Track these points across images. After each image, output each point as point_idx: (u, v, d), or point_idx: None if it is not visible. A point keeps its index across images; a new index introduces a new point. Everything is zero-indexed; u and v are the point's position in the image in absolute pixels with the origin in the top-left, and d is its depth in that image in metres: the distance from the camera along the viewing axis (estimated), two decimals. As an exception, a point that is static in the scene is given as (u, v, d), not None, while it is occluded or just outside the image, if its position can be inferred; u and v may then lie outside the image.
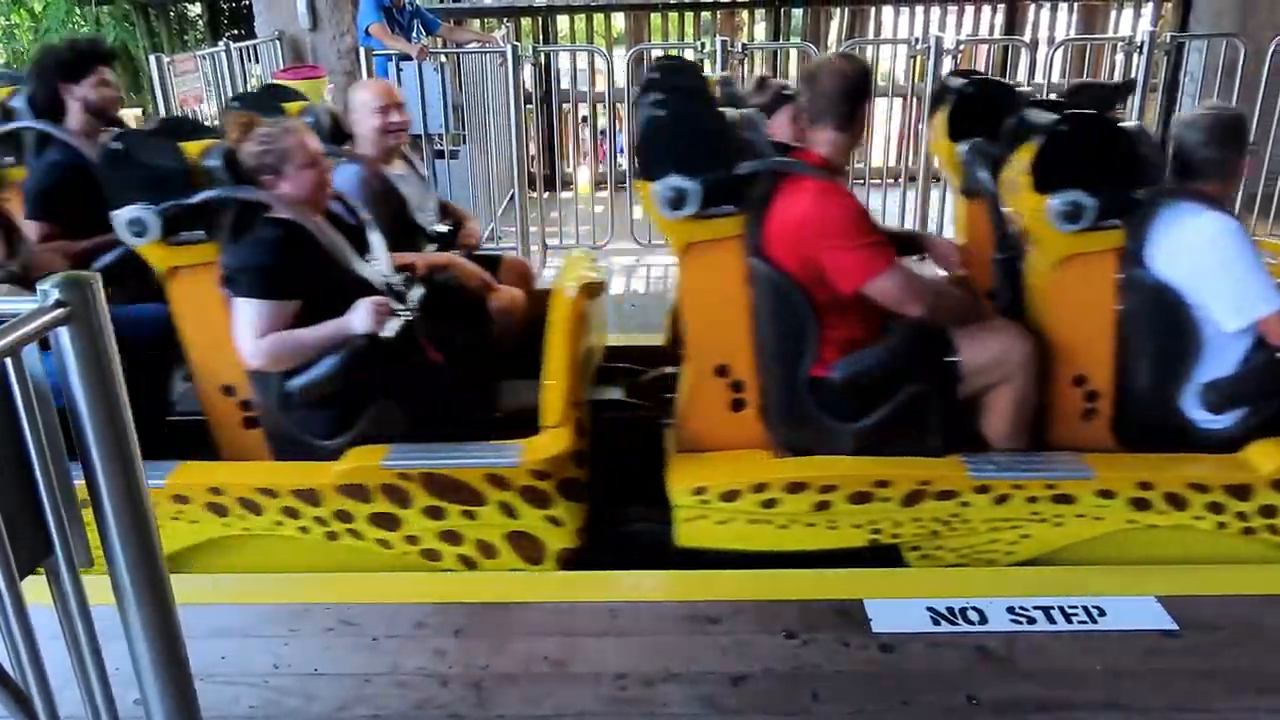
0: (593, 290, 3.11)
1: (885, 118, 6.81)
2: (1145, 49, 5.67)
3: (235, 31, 8.46)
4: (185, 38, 9.18)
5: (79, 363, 1.29)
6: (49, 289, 1.25)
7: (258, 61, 6.55)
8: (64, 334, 1.27)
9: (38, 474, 1.26)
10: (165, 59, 5.36)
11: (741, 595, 2.51)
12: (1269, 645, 2.29)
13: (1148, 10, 7.72)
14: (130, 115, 5.52)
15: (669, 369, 3.51)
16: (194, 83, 5.68)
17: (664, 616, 2.43)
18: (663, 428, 3.06)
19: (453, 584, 2.68)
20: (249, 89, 6.20)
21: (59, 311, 1.25)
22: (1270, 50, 5.73)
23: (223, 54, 6.04)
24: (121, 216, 2.62)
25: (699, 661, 2.26)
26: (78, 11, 8.34)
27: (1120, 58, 5.94)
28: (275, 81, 4.91)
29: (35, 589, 1.29)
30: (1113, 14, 7.86)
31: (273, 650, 2.33)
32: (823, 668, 2.23)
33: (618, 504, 3.02)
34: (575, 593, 2.56)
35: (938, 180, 5.70)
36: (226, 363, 2.77)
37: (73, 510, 1.32)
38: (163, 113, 5.30)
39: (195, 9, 9.39)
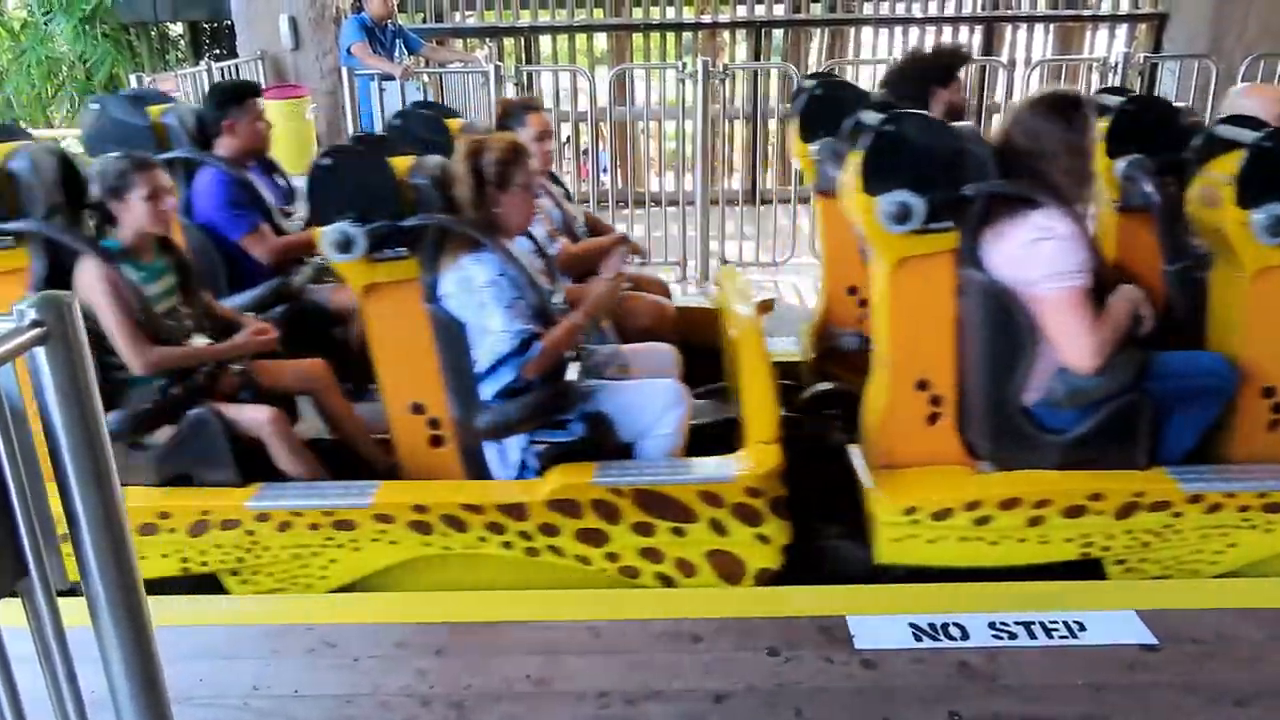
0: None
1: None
2: (1120, 69, 5.77)
3: (217, 51, 8.47)
4: (167, 57, 9.16)
5: (56, 383, 1.28)
6: (25, 309, 1.25)
7: (239, 81, 6.55)
8: (41, 354, 1.26)
9: (13, 495, 1.25)
10: (146, 78, 5.34)
11: (723, 613, 2.51)
12: (1247, 658, 2.31)
13: (1122, 31, 7.84)
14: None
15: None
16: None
17: (646, 634, 2.42)
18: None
19: (434, 603, 2.66)
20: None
21: (35, 332, 1.24)
22: (1241, 70, 5.84)
23: (204, 73, 6.04)
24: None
25: (682, 679, 2.26)
26: (58, 33, 8.32)
27: (1095, 78, 6.03)
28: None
29: (9, 611, 1.27)
30: (1088, 35, 7.96)
31: (252, 671, 2.31)
32: (805, 685, 2.23)
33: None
34: (557, 611, 2.55)
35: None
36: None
37: (49, 531, 1.31)
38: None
39: (177, 28, 9.38)
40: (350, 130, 5.72)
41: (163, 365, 2.79)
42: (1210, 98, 5.78)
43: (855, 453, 2.99)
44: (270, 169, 3.88)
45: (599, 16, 7.92)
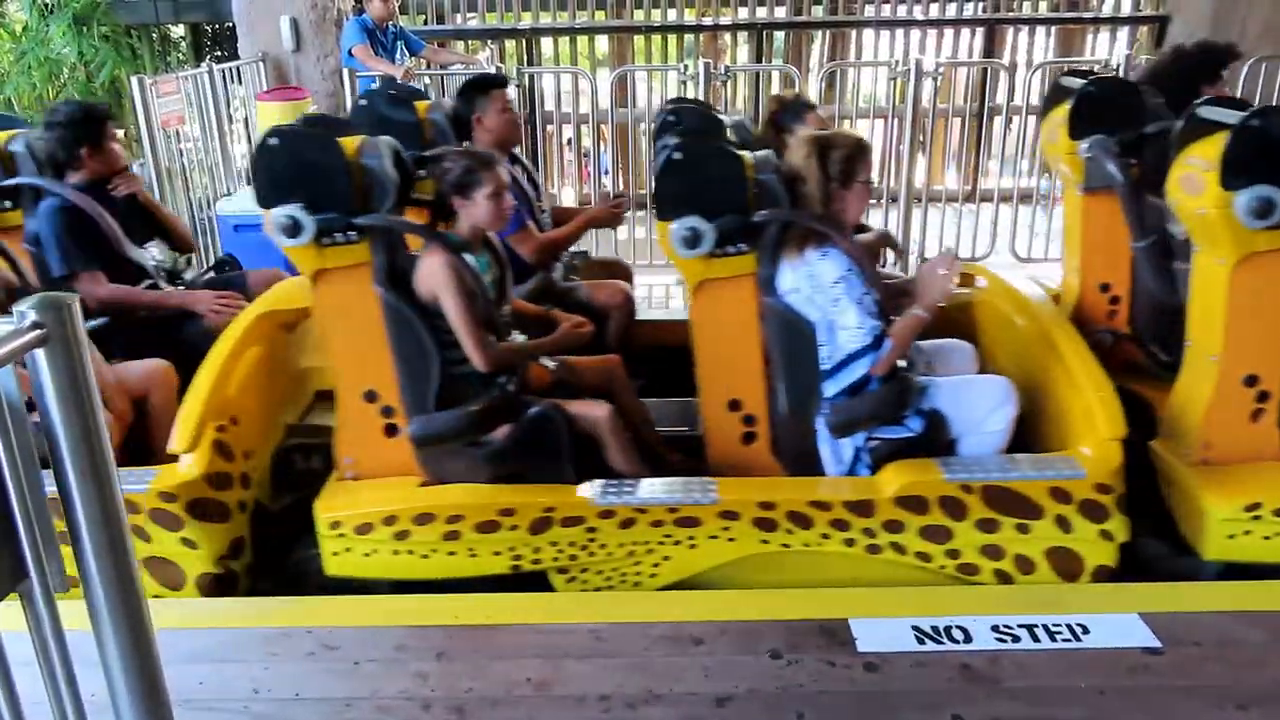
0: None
1: (867, 138, 6.85)
2: (1121, 71, 5.76)
3: (218, 53, 8.47)
4: (168, 59, 9.16)
5: (56, 385, 1.27)
6: (25, 310, 1.24)
7: (241, 83, 6.55)
8: (41, 356, 1.26)
9: (12, 497, 1.25)
10: (147, 80, 5.34)
11: (725, 615, 2.50)
12: (1250, 661, 2.30)
13: (1124, 34, 7.84)
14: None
15: None
16: (176, 104, 5.67)
17: (647, 637, 2.42)
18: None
19: (433, 606, 2.66)
20: (231, 111, 6.21)
21: (36, 333, 1.23)
22: (1243, 73, 5.83)
23: (205, 75, 6.03)
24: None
25: (683, 682, 2.25)
26: (59, 37, 8.31)
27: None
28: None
29: (9, 614, 1.27)
30: (1090, 37, 7.96)
31: (252, 675, 2.30)
32: (807, 688, 2.22)
33: None
34: (558, 614, 2.54)
35: (919, 201, 5.75)
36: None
37: (48, 534, 1.30)
38: (144, 133, 5.28)
39: (178, 30, 9.39)
40: (351, 132, 5.72)
41: (501, 362, 2.79)
42: (1212, 100, 5.77)
43: (1158, 451, 2.98)
44: (515, 161, 3.82)
45: (600, 19, 7.92)
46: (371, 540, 2.75)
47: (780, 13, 8.05)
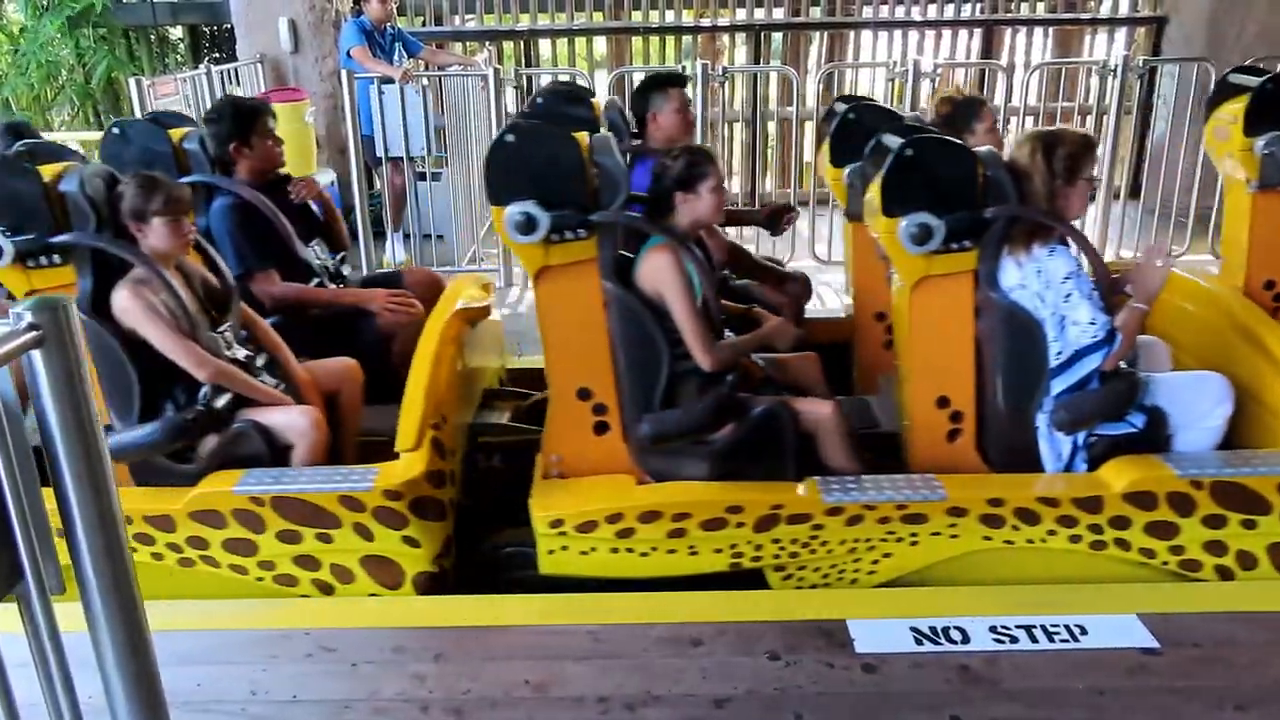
0: None
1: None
2: (1119, 73, 5.76)
3: (216, 54, 8.45)
4: (166, 60, 9.16)
5: (52, 386, 1.27)
6: (21, 312, 1.24)
7: (239, 84, 6.54)
8: (37, 357, 1.25)
9: (8, 498, 1.24)
10: (145, 81, 5.34)
11: (723, 617, 2.50)
12: (1248, 662, 2.30)
13: (1121, 35, 7.84)
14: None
15: None
16: (174, 105, 5.66)
17: (645, 639, 2.42)
18: None
19: (432, 608, 2.65)
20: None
21: (32, 334, 1.23)
22: (1240, 74, 5.83)
23: (203, 76, 6.03)
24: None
25: (681, 684, 2.25)
26: (59, 37, 8.30)
27: (1095, 81, 6.02)
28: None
29: (5, 616, 1.27)
30: (1087, 38, 7.96)
31: (250, 677, 2.30)
32: (806, 689, 2.22)
33: None
34: (556, 616, 2.54)
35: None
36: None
37: (45, 536, 1.30)
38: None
39: (176, 32, 9.38)
40: (350, 134, 5.71)
41: (725, 361, 2.80)
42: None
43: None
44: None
45: (598, 20, 7.91)
46: (593, 538, 2.74)
47: (778, 14, 8.04)
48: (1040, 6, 7.97)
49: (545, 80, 7.64)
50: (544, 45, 8.04)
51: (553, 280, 2.73)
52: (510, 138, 2.60)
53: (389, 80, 5.72)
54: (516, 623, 2.50)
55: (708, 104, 5.64)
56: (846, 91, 7.26)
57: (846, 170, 3.49)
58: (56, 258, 2.68)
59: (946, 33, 7.90)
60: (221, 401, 2.80)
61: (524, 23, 7.86)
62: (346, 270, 3.73)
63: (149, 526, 2.75)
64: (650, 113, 3.58)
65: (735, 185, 7.64)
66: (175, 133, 3.55)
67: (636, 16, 7.91)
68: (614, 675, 2.28)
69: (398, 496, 2.66)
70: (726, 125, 7.69)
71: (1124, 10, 7.89)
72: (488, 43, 7.76)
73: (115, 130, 3.52)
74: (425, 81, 5.91)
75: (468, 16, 7.90)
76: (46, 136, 4.23)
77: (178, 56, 9.28)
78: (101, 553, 1.35)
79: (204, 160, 3.50)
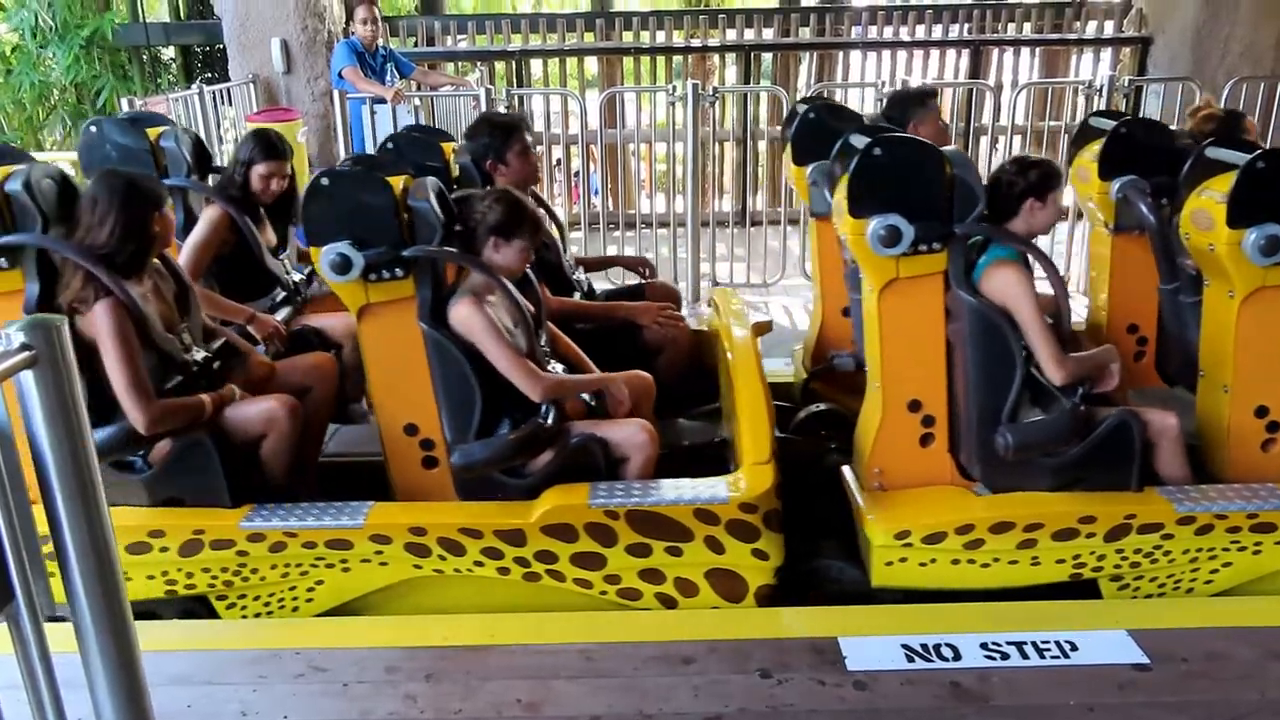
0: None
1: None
2: (1105, 92, 5.83)
3: (209, 75, 8.49)
4: (159, 80, 9.19)
5: (44, 407, 1.28)
6: (13, 333, 1.25)
7: (231, 104, 6.57)
8: (29, 378, 1.26)
9: (-1, 519, 1.24)
10: (137, 101, 5.36)
11: (715, 635, 2.50)
12: (1237, 677, 2.31)
13: (1107, 55, 7.92)
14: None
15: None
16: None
17: (637, 657, 2.41)
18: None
19: (423, 627, 2.65)
20: (221, 132, 6.22)
21: (24, 355, 1.24)
22: (1225, 93, 5.91)
23: (195, 96, 6.05)
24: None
25: (673, 702, 2.24)
26: (51, 59, 8.33)
27: (1081, 100, 6.09)
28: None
29: (-5, 637, 1.27)
30: (1074, 58, 8.05)
31: (240, 697, 2.29)
32: (797, 707, 2.22)
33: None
34: (547, 634, 2.53)
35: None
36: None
37: (35, 556, 1.30)
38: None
39: (169, 52, 9.41)
40: (342, 153, 5.73)
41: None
42: (1194, 120, 5.84)
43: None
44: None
45: (589, 41, 7.97)
46: (937, 550, 2.74)
47: (768, 34, 8.12)
48: (1027, 27, 8.06)
49: (537, 100, 7.70)
50: (535, 66, 8.09)
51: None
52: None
53: (381, 100, 5.74)
54: (508, 642, 2.50)
55: (699, 123, 5.68)
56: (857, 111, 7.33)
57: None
58: (399, 270, 2.69)
59: (935, 53, 7.98)
60: (552, 417, 2.78)
61: (515, 43, 7.92)
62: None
63: (498, 540, 2.71)
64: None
65: (726, 204, 7.68)
66: (152, 131, 3.58)
67: (627, 37, 7.97)
68: (605, 694, 2.28)
69: (752, 509, 2.65)
70: (717, 144, 7.75)
71: (1109, 31, 7.97)
72: (479, 63, 7.81)
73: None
74: (417, 102, 5.94)
75: (459, 37, 7.95)
76: (40, 157, 4.24)
77: (170, 77, 9.32)
78: (93, 574, 1.35)
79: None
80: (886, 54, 7.93)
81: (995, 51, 7.92)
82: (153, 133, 3.58)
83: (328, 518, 2.72)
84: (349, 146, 5.74)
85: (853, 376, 3.47)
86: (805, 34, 8.08)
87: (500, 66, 7.98)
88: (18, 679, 1.32)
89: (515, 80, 7.70)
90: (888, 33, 8.06)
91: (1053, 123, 7.38)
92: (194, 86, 6.20)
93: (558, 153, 7.72)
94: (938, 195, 2.67)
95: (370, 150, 5.72)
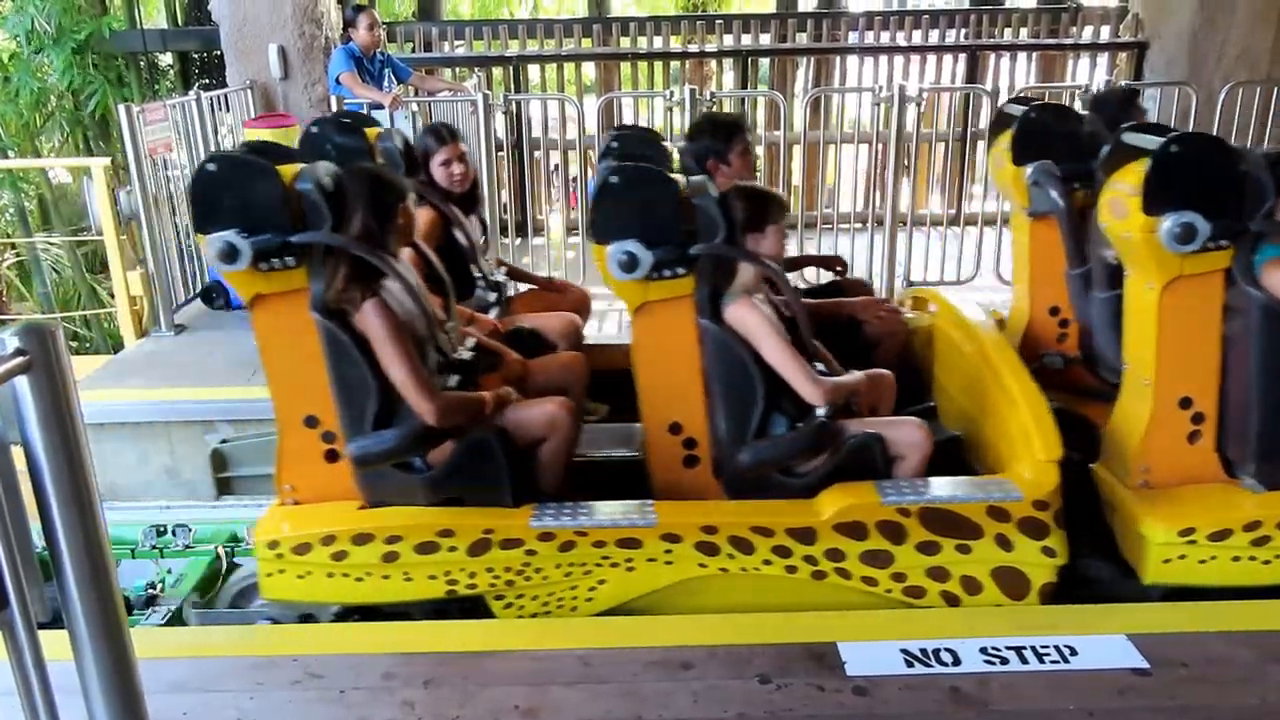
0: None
1: (852, 163, 6.94)
2: (1102, 96, 5.83)
3: (206, 81, 8.48)
4: (156, 87, 9.19)
5: (39, 412, 1.27)
6: (6, 338, 1.24)
7: (229, 110, 6.56)
8: (24, 383, 1.25)
9: (-7, 525, 1.24)
10: (135, 108, 5.35)
11: (714, 640, 2.49)
12: (1237, 681, 2.31)
13: (1103, 60, 7.94)
14: (98, 164, 5.50)
15: None
16: (163, 131, 5.68)
17: (636, 663, 2.41)
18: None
19: (421, 633, 2.64)
20: (219, 138, 6.22)
21: (18, 360, 1.23)
22: (1221, 97, 5.92)
23: (193, 102, 6.05)
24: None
25: (672, 708, 2.24)
26: (48, 64, 8.33)
27: (1078, 105, 6.09)
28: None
29: (-11, 644, 1.26)
30: (1070, 63, 8.06)
31: (237, 705, 2.28)
32: (797, 712, 2.22)
33: None
34: (545, 640, 2.53)
35: (904, 224, 5.80)
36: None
37: (29, 562, 1.29)
38: (132, 160, 5.29)
39: (166, 59, 9.42)
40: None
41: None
42: (1191, 124, 5.86)
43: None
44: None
45: (587, 46, 7.97)
46: (1220, 547, 2.72)
47: (765, 40, 8.13)
48: (1024, 32, 8.07)
49: (535, 106, 7.70)
50: (533, 71, 8.10)
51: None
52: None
53: (379, 106, 5.74)
54: (505, 647, 2.49)
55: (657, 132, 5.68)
56: (833, 116, 7.34)
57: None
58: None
59: (931, 58, 7.99)
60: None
61: (513, 49, 7.92)
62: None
63: (789, 539, 2.71)
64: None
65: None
66: (370, 132, 3.62)
67: (625, 43, 7.98)
68: (604, 700, 2.27)
69: (1045, 506, 2.67)
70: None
71: (1105, 36, 7.99)
72: (477, 69, 7.81)
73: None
74: (415, 107, 5.94)
75: (457, 43, 7.95)
76: (35, 163, 4.23)
77: (168, 83, 9.32)
78: (87, 580, 1.34)
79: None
80: (883, 59, 7.94)
81: (992, 56, 7.93)
82: (371, 133, 3.59)
83: (619, 516, 2.73)
84: (346, 152, 5.74)
85: (1061, 374, 3.48)
86: (803, 39, 8.10)
87: (498, 72, 7.99)
88: (12, 686, 1.31)
89: (513, 85, 7.71)
90: (885, 38, 8.07)
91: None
92: (191, 93, 6.19)
93: (555, 158, 7.73)
94: (1231, 192, 2.65)
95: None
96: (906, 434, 2.83)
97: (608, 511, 2.75)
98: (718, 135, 3.58)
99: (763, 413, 2.77)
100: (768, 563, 2.73)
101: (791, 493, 2.79)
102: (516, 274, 4.19)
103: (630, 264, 2.66)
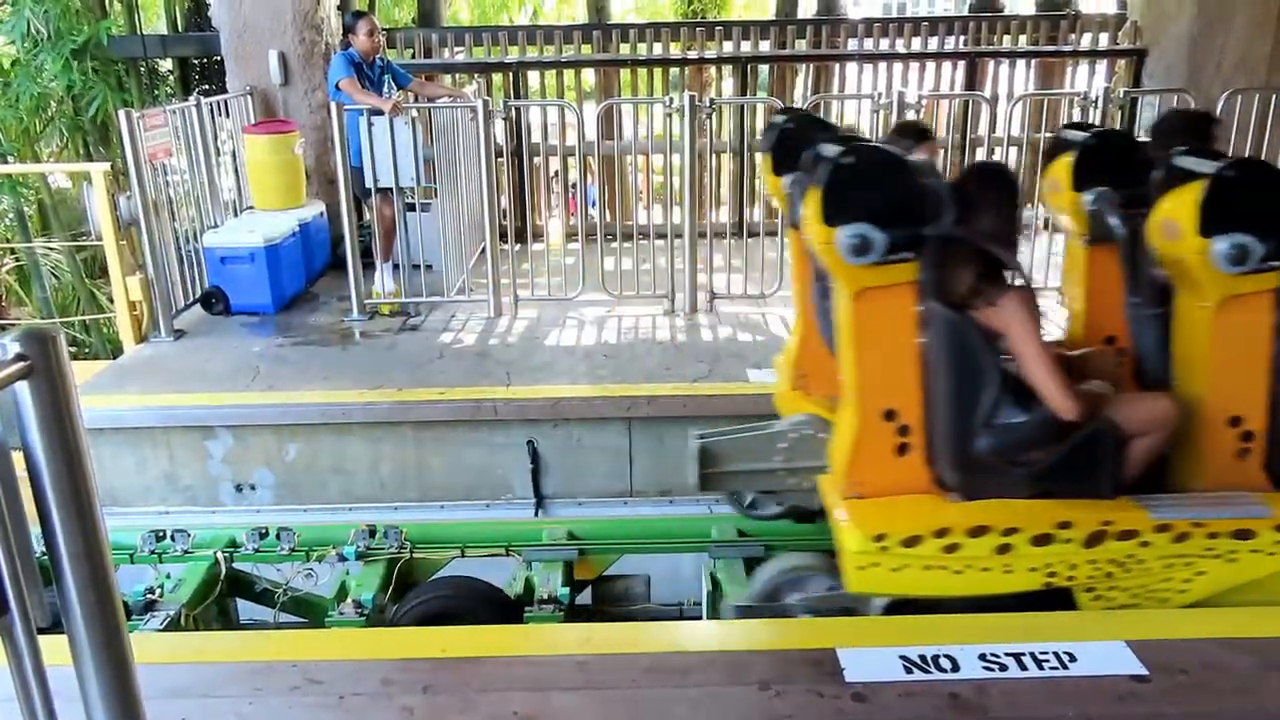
0: None
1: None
2: (1101, 103, 5.85)
3: (206, 87, 8.50)
4: (156, 92, 9.20)
5: (39, 418, 1.27)
6: (7, 343, 1.24)
7: (228, 116, 6.58)
8: (24, 389, 1.25)
9: (-7, 530, 1.24)
10: (135, 114, 5.36)
11: (712, 647, 2.49)
12: (1237, 687, 2.31)
13: (1102, 67, 7.96)
14: (98, 170, 5.50)
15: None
16: (163, 137, 5.68)
17: (634, 669, 2.40)
18: None
19: (420, 639, 2.64)
20: (219, 143, 6.23)
21: (18, 365, 1.23)
22: (1220, 104, 5.93)
23: (193, 108, 6.06)
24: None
25: (670, 714, 2.23)
26: (45, 67, 8.34)
27: (1076, 112, 6.11)
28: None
29: (-12, 649, 1.26)
30: (1069, 70, 8.08)
31: (236, 710, 2.28)
32: (795, 718, 2.21)
33: None
34: (544, 646, 2.53)
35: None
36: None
37: (29, 568, 1.29)
38: (131, 166, 5.29)
39: (166, 64, 9.43)
40: (339, 165, 5.73)
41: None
42: (1189, 131, 5.86)
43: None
44: None
45: (587, 52, 7.99)
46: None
47: (765, 46, 8.15)
48: (1023, 39, 8.10)
49: (534, 112, 7.70)
50: (533, 77, 8.11)
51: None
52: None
53: (378, 112, 5.75)
54: (504, 653, 2.49)
55: (696, 135, 5.70)
56: (833, 122, 7.34)
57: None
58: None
59: (931, 65, 8.01)
60: None
61: (513, 55, 7.93)
62: None
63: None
64: None
65: (724, 215, 7.70)
66: None
67: (624, 49, 8.00)
68: (603, 706, 2.27)
69: None
70: (714, 156, 7.77)
71: (1104, 43, 8.01)
72: (477, 75, 7.83)
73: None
74: (415, 113, 5.95)
75: (457, 49, 7.97)
76: (35, 168, 4.23)
77: (167, 89, 9.33)
78: (87, 585, 1.34)
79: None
80: (883, 66, 7.96)
81: (991, 63, 7.95)
82: None
83: (1240, 507, 2.75)
84: (346, 158, 5.74)
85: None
86: (802, 46, 8.12)
87: (498, 78, 8.01)
88: (11, 692, 1.31)
89: (513, 91, 7.72)
90: (884, 45, 8.09)
91: (1048, 134, 7.37)
92: (191, 98, 6.20)
93: (555, 164, 7.74)
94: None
95: (366, 162, 5.74)
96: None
97: (1228, 502, 2.76)
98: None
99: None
100: None
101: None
102: None
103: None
